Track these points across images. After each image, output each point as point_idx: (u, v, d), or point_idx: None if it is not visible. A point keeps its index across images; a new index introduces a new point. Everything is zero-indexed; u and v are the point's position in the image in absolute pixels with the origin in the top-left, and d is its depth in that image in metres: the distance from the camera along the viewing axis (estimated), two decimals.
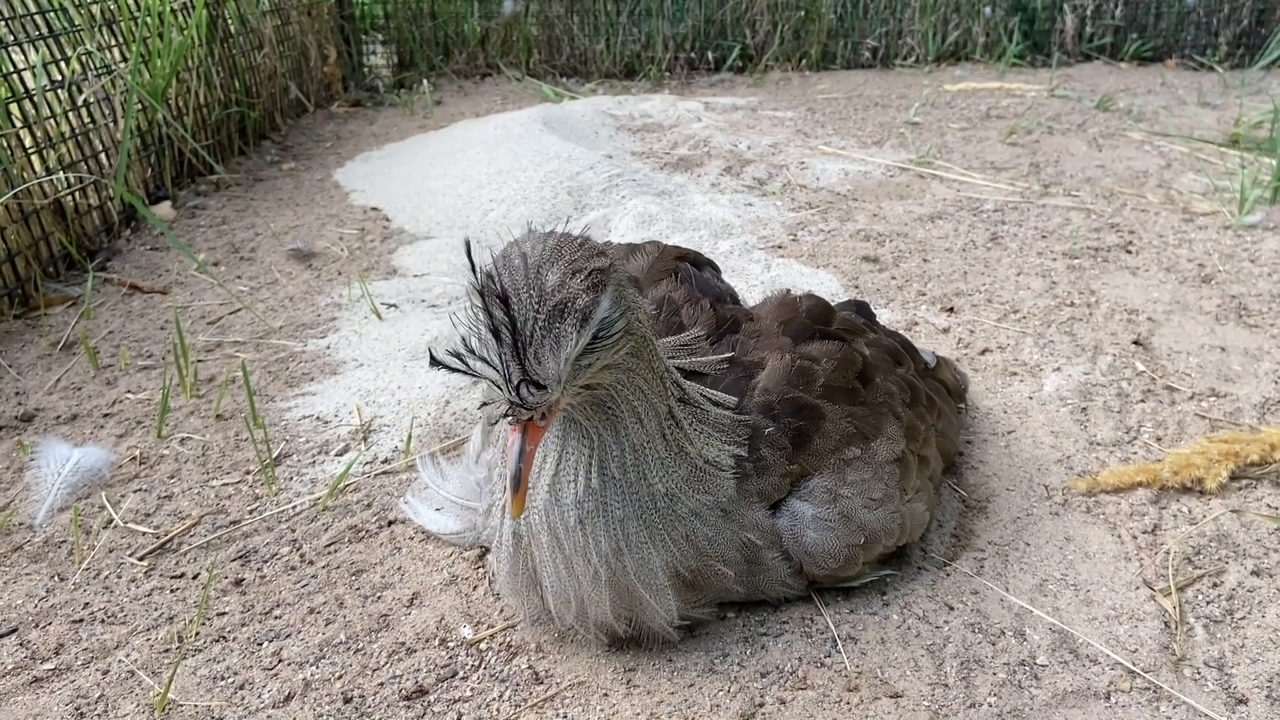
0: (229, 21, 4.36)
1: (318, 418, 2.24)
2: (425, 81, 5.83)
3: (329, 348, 2.58)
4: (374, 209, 3.67)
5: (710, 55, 6.47)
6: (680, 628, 1.52)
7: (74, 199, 3.07)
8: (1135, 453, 2.04)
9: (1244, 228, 3.36)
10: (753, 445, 1.53)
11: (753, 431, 1.53)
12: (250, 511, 1.89)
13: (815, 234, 3.33)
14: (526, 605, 1.50)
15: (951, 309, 2.70)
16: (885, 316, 2.65)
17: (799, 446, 1.55)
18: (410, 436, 2.06)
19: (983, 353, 2.45)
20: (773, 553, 1.54)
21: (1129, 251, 3.14)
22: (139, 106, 3.42)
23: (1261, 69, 6.20)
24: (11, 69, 2.94)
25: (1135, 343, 2.48)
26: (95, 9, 3.41)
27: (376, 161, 4.34)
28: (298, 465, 2.05)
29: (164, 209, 3.53)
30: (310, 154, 4.53)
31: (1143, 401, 2.23)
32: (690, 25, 6.41)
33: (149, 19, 3.49)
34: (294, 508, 1.90)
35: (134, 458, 2.08)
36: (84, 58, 3.23)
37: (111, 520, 1.87)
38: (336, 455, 2.08)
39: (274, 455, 2.07)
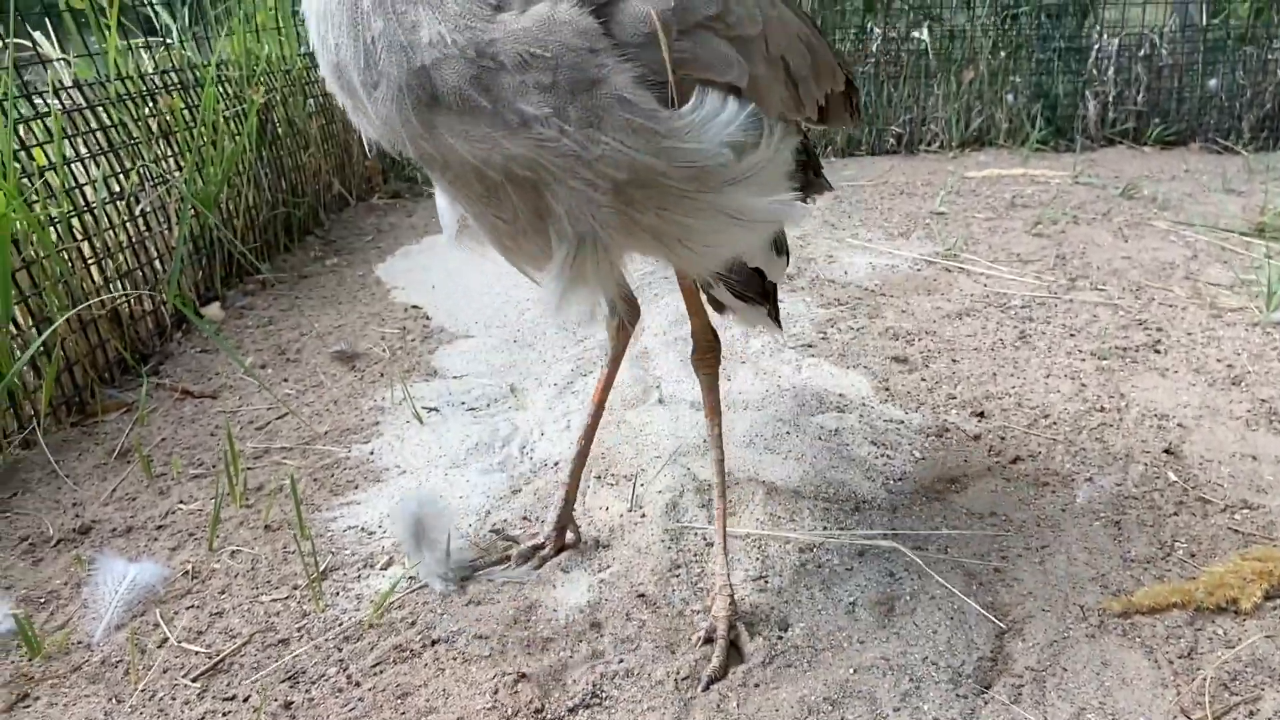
0: (278, 125, 4.55)
1: (362, 528, 2.30)
2: None
3: (372, 453, 2.66)
4: (415, 307, 3.78)
5: None
6: None
7: (129, 306, 3.20)
8: (1170, 570, 2.05)
9: (1271, 325, 3.38)
10: None
11: None
12: (298, 630, 1.95)
13: (845, 331, 3.39)
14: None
15: (982, 413, 2.74)
16: (917, 421, 2.69)
17: None
18: (448, 553, 2.11)
19: (1014, 461, 2.48)
20: (602, 56, 1.40)
21: (1157, 351, 3.17)
22: (192, 213, 3.57)
23: None
24: (74, 184, 3.09)
25: (1166, 451, 2.50)
26: (153, 122, 3.58)
27: (416, 256, 4.47)
28: (344, 580, 2.11)
29: (213, 310, 3.66)
30: (352, 248, 4.68)
31: (1175, 515, 2.24)
32: None
33: (204, 129, 3.67)
34: (340, 625, 1.95)
35: (186, 571, 2.14)
36: (142, 169, 3.39)
37: (166, 639, 1.93)
38: (381, 569, 2.14)
39: (321, 569, 2.14)
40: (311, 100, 5.03)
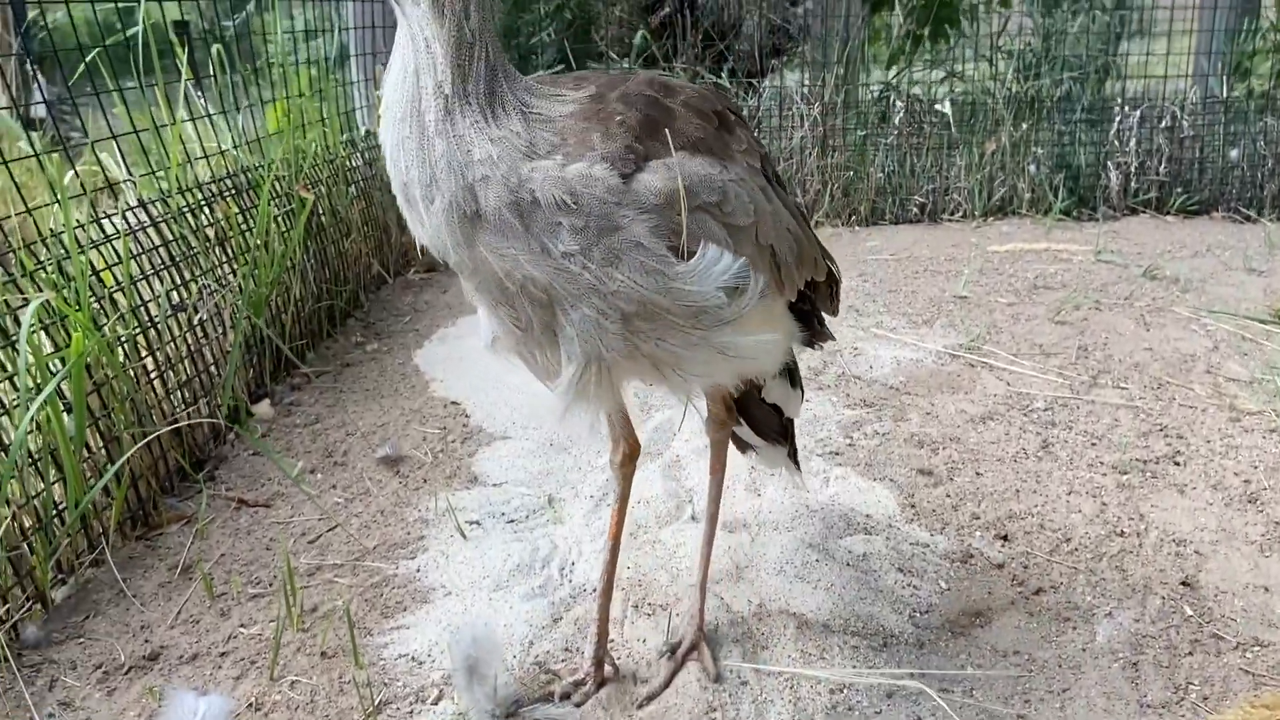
0: (322, 215, 4.73)
1: (412, 657, 2.43)
2: None
3: (419, 570, 2.79)
4: (453, 403, 3.93)
5: None
6: None
7: (188, 414, 3.36)
8: (1183, 715, 2.14)
9: None
10: (605, 125, 1.78)
11: (603, 116, 1.78)
12: None
13: (870, 437, 3.50)
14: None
15: (1006, 536, 2.84)
16: (942, 545, 2.80)
17: (647, 132, 1.78)
18: (496, 690, 2.23)
19: (1037, 593, 2.58)
20: (625, 209, 1.73)
21: (1177, 464, 3.26)
22: (246, 317, 3.74)
23: None
24: (139, 302, 3.27)
25: (1184, 583, 2.60)
26: (210, 230, 3.77)
27: (453, 342, 4.63)
28: (397, 714, 2.24)
29: (264, 407, 3.82)
30: (391, 331, 4.85)
31: (1190, 654, 2.33)
32: None
33: (258, 232, 3.85)
34: None
35: (251, 703, 2.28)
36: (200, 279, 3.57)
37: None
38: (432, 704, 2.26)
39: (375, 702, 2.26)
40: (353, 186, 5.22)
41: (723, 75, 7.19)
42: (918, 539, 2.83)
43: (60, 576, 2.73)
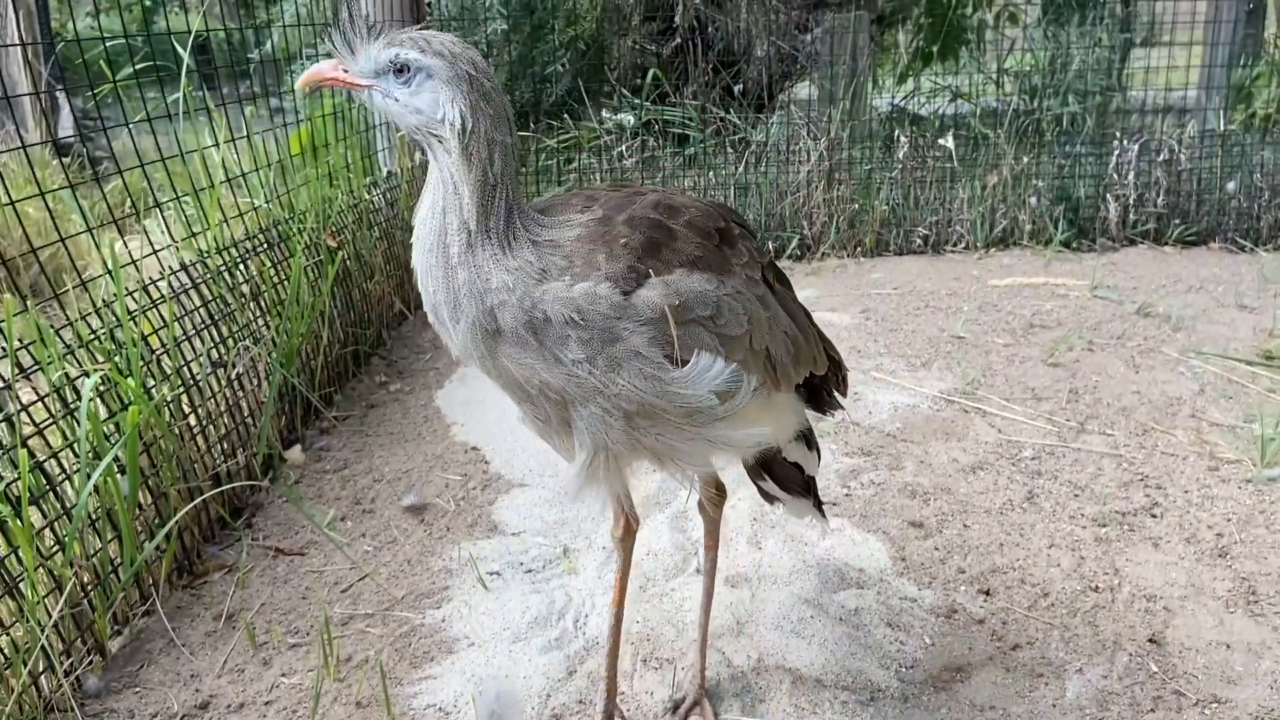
0: (348, 260, 4.97)
1: (440, 707, 2.66)
2: None
3: (444, 620, 3.02)
4: (474, 448, 4.16)
5: (771, 245, 6.98)
6: None
7: (226, 466, 3.60)
8: None
9: (1265, 482, 3.66)
10: (610, 247, 1.99)
11: (609, 239, 1.99)
12: None
13: (866, 486, 3.72)
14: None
15: (988, 591, 3.05)
16: (929, 600, 3.01)
17: (649, 252, 1.98)
18: None
19: (1014, 648, 2.79)
20: (625, 322, 1.93)
21: (1154, 515, 3.46)
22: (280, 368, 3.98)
23: None
24: (182, 361, 3.51)
25: (1150, 640, 2.80)
26: (245, 286, 4.01)
27: (471, 383, 4.85)
28: None
29: (295, 453, 4.07)
30: (412, 369, 5.09)
31: (1152, 711, 2.54)
32: (751, 219, 6.93)
33: (291, 285, 4.08)
34: None
35: None
36: (237, 334, 3.81)
37: None
38: None
39: None
40: (375, 228, 5.45)
41: (730, 111, 7.39)
42: (906, 593, 3.04)
43: (116, 628, 2.97)
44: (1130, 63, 8.54)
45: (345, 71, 2.04)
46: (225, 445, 3.64)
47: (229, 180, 4.30)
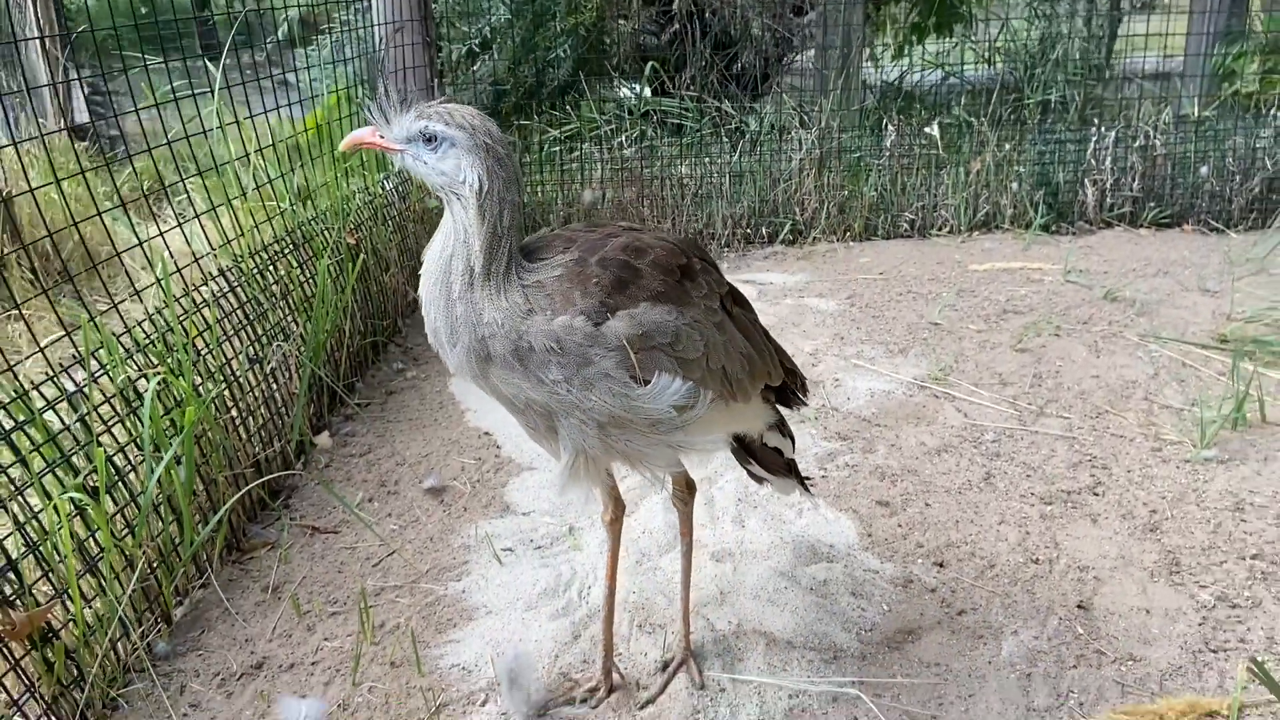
0: (366, 255, 5.34)
1: (463, 667, 3.08)
2: None
3: (464, 591, 3.44)
4: (486, 433, 4.57)
5: (764, 230, 7.34)
6: None
7: (265, 454, 4.02)
8: (1062, 718, 2.77)
9: (1201, 462, 4.05)
10: (584, 285, 2.34)
11: (583, 278, 2.35)
12: None
13: (841, 469, 4.12)
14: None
15: (942, 563, 3.46)
16: (889, 571, 3.42)
17: (617, 288, 2.33)
18: (530, 696, 2.88)
19: (960, 614, 3.21)
20: (596, 349, 2.29)
21: (1096, 494, 3.86)
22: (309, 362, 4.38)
23: (1277, 230, 6.74)
24: (224, 361, 3.91)
25: (1079, 606, 3.21)
26: (275, 288, 4.40)
27: None
28: (454, 714, 2.90)
29: (324, 439, 4.48)
30: (427, 356, 5.47)
31: (1075, 667, 2.96)
32: (745, 205, 7.29)
33: (318, 290, 4.47)
34: None
35: (340, 704, 2.94)
36: (270, 332, 4.20)
37: None
38: (480, 706, 2.92)
39: (436, 704, 2.92)
40: (389, 222, 5.82)
41: (725, 101, 7.70)
42: (870, 566, 3.45)
43: (178, 599, 3.40)
44: (1119, 38, 8.79)
45: (381, 137, 2.41)
46: (263, 435, 4.05)
47: (247, 156, 4.65)
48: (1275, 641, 3.03)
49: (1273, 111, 7.50)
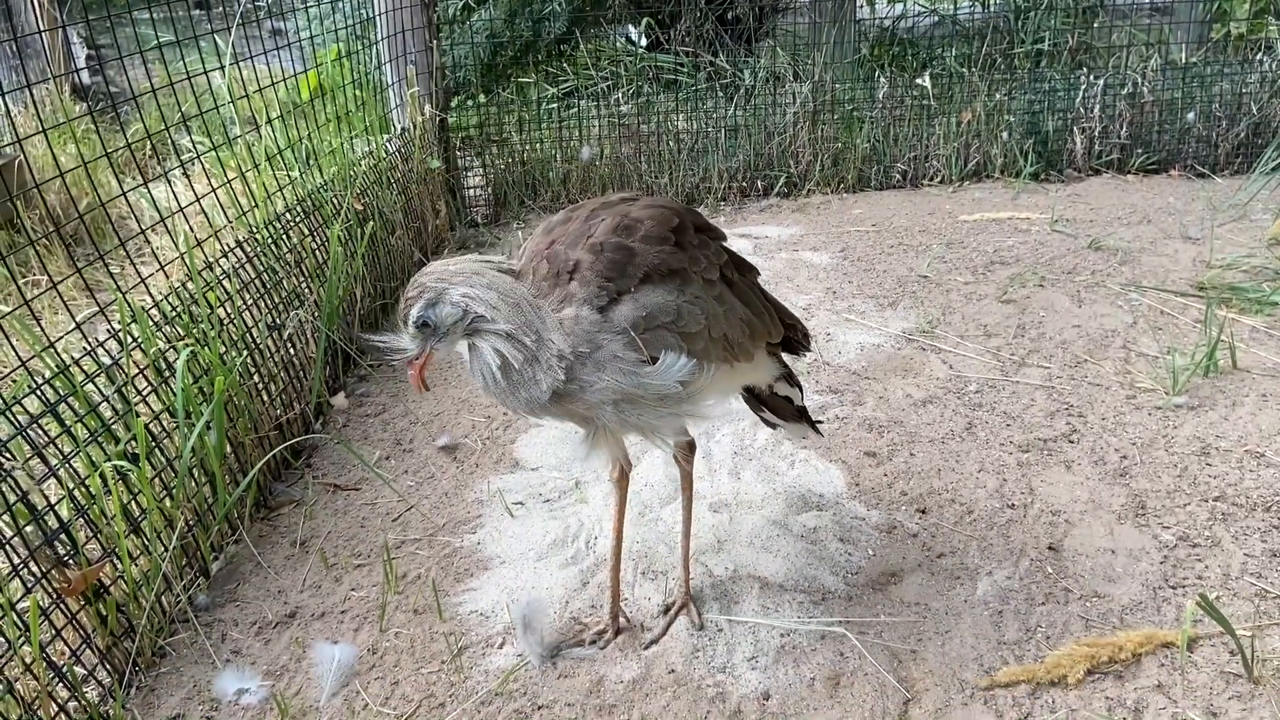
0: (371, 221, 5.52)
1: (481, 613, 3.35)
2: (515, 223, 6.98)
3: (479, 543, 3.70)
4: None
5: (760, 183, 7.49)
6: None
7: (286, 416, 4.25)
8: (1029, 651, 3.04)
9: (1172, 409, 4.28)
10: (580, 274, 2.55)
11: (576, 264, 2.57)
12: (450, 696, 3.01)
13: (832, 421, 4.35)
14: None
15: (924, 510, 3.71)
16: (875, 518, 3.67)
17: (617, 272, 2.54)
18: (542, 638, 3.14)
19: (939, 556, 3.46)
20: (604, 334, 2.52)
21: (1071, 441, 4.10)
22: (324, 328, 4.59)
23: (1262, 175, 6.88)
24: (245, 329, 4.12)
25: (1050, 547, 3.47)
26: (289, 256, 4.59)
27: None
28: (474, 656, 3.16)
29: (340, 400, 4.71)
30: None
31: (1043, 604, 3.22)
32: (741, 159, 7.43)
33: (331, 258, 4.66)
34: (478, 694, 3.01)
35: (369, 649, 3.21)
36: (286, 299, 4.41)
37: (366, 704, 3.00)
38: (498, 648, 3.19)
39: (458, 647, 3.19)
40: (393, 185, 5.98)
41: (720, 55, 7.79)
42: (857, 514, 3.70)
43: (214, 555, 3.66)
44: None
45: (415, 359, 2.70)
46: (283, 398, 4.28)
47: (258, 129, 4.82)
48: (1230, 578, 3.29)
49: (1259, 56, 7.59)
